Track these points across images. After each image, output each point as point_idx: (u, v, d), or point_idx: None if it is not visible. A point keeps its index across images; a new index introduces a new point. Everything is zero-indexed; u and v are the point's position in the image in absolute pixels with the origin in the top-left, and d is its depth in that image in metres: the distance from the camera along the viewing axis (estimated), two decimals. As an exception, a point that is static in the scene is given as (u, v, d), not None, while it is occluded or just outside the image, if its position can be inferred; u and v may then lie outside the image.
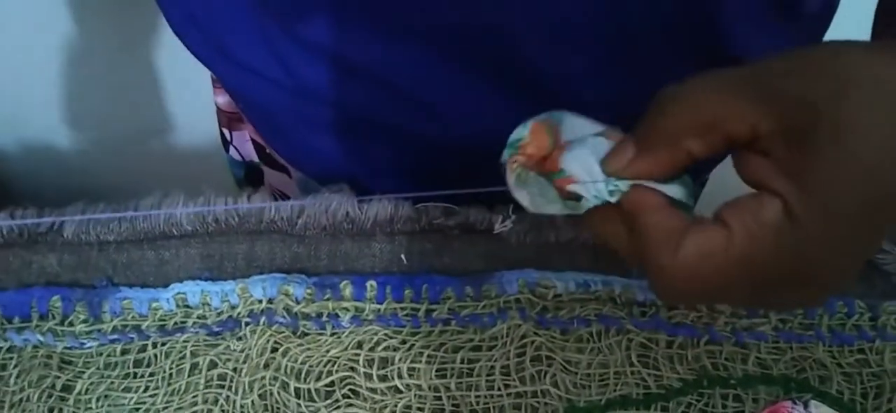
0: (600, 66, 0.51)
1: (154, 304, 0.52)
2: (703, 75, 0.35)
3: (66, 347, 0.51)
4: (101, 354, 0.51)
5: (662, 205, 0.37)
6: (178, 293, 0.52)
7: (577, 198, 0.39)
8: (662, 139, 0.36)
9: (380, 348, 0.50)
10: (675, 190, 0.38)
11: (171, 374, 0.50)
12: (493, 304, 0.51)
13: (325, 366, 0.50)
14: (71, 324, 0.52)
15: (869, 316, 0.52)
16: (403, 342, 0.50)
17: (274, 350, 0.50)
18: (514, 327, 0.51)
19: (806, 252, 0.33)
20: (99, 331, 0.51)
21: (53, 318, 0.52)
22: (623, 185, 0.38)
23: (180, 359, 0.51)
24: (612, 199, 0.38)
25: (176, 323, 0.51)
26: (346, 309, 0.51)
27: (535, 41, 0.50)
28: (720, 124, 0.34)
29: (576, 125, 0.41)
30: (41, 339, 0.51)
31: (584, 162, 0.39)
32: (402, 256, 0.54)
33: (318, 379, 0.49)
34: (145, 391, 0.50)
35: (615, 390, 0.49)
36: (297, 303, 0.51)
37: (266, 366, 0.50)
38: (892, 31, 0.43)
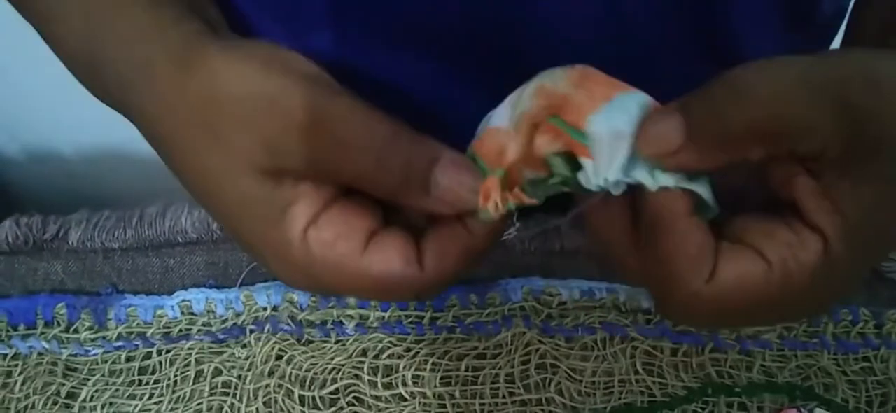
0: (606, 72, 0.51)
1: (159, 312, 0.52)
2: (784, 67, 0.29)
3: (71, 354, 0.51)
4: (105, 361, 0.51)
5: (690, 213, 0.32)
6: (183, 300, 0.52)
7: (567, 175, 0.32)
8: (725, 136, 0.30)
9: (384, 356, 0.50)
10: (703, 188, 0.32)
11: (175, 382, 0.50)
12: (498, 311, 0.51)
13: (329, 373, 0.50)
14: (76, 331, 0.52)
15: (874, 324, 0.52)
16: (408, 350, 0.50)
17: (278, 357, 0.50)
18: (518, 335, 0.51)
19: (833, 287, 0.32)
20: (104, 338, 0.51)
21: (58, 325, 0.52)
22: (652, 181, 0.31)
23: (185, 366, 0.51)
24: (616, 192, 0.32)
25: (181, 330, 0.51)
26: (351, 316, 0.51)
27: (540, 51, 0.50)
28: (794, 137, 0.29)
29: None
30: (46, 346, 0.51)
31: (616, 132, 0.31)
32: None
33: (323, 386, 0.49)
34: (150, 398, 0.50)
35: (620, 398, 0.49)
36: (302, 310, 0.51)
37: (270, 373, 0.50)
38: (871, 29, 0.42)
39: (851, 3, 0.48)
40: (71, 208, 0.57)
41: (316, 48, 0.52)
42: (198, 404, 0.49)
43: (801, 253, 0.30)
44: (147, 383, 0.50)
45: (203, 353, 0.51)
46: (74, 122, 1.21)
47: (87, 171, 1.26)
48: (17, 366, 0.51)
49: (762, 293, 0.31)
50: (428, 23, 0.49)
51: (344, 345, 0.51)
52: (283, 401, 0.49)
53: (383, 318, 0.51)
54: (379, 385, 0.49)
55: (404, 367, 0.50)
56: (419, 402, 0.48)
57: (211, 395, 0.50)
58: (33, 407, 0.50)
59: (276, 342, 0.50)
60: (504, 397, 0.49)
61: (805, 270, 0.30)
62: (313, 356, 0.50)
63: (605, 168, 0.31)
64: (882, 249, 0.32)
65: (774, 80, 0.29)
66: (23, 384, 0.50)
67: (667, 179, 0.31)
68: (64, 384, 0.50)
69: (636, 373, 0.50)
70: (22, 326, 0.52)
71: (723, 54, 0.50)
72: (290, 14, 0.52)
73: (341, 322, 0.51)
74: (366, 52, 0.52)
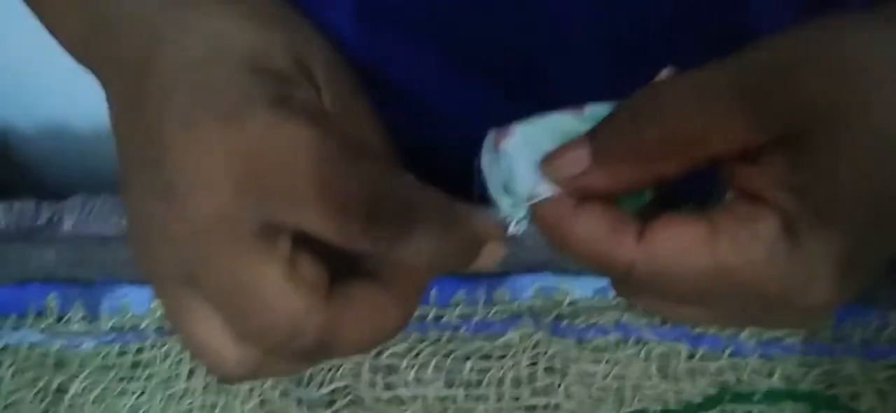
0: (607, 69, 0.49)
1: (154, 304, 0.50)
2: (681, 79, 0.30)
3: (62, 347, 0.50)
4: (97, 355, 0.49)
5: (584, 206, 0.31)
6: (178, 293, 0.50)
7: None
8: (630, 155, 0.30)
9: (385, 355, 0.48)
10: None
11: (168, 378, 0.48)
12: (505, 310, 0.49)
13: (327, 373, 0.48)
14: (68, 322, 0.50)
15: (904, 329, 0.50)
16: (410, 349, 0.48)
17: (275, 354, 0.48)
18: (526, 336, 0.48)
19: (804, 272, 0.29)
20: (96, 330, 0.50)
21: (50, 316, 0.50)
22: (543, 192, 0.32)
23: (178, 362, 0.49)
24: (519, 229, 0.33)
25: (175, 324, 0.50)
26: (352, 313, 0.49)
27: (540, 44, 0.47)
28: (703, 143, 0.29)
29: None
30: (37, 337, 0.50)
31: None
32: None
33: (321, 386, 0.47)
34: (142, 394, 0.48)
35: (632, 405, 0.47)
36: (301, 305, 0.49)
37: (267, 371, 0.48)
38: None
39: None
40: (82, 185, 0.56)
41: (333, 24, 0.50)
42: (190, 402, 0.48)
43: (753, 222, 0.29)
44: (139, 378, 0.49)
45: (198, 347, 0.49)
46: (89, 98, 1.20)
47: (101, 148, 1.25)
48: (6, 358, 0.49)
49: (708, 260, 0.29)
50: (432, 21, 0.47)
51: (344, 342, 0.49)
52: (280, 400, 0.47)
53: (385, 314, 0.49)
54: (378, 386, 0.47)
55: (405, 368, 0.48)
56: (420, 405, 0.46)
57: (205, 391, 0.48)
58: (22, 400, 0.48)
59: (273, 338, 0.49)
60: (510, 401, 0.47)
61: (758, 242, 0.29)
62: (311, 354, 0.48)
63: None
64: (872, 231, 0.29)
65: (665, 98, 0.30)
66: (12, 377, 0.49)
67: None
68: (54, 378, 0.49)
69: (649, 377, 0.48)
70: (13, 317, 0.50)
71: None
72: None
73: (341, 318, 0.49)
74: (382, 32, 0.50)
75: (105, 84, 0.35)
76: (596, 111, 0.33)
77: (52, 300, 0.50)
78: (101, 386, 0.48)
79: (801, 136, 0.28)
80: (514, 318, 0.49)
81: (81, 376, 0.49)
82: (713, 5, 0.47)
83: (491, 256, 0.34)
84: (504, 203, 0.33)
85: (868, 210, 0.28)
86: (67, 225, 0.53)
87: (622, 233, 0.30)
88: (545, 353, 0.48)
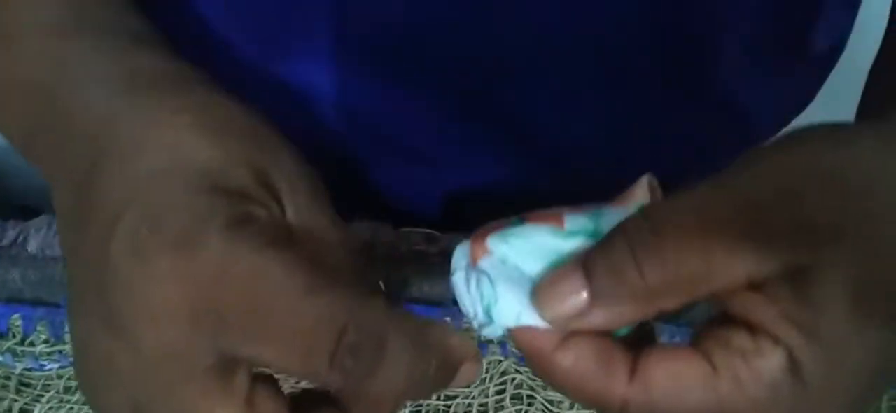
0: (593, 106, 0.49)
1: (119, 326, 0.50)
2: (679, 207, 0.28)
3: (25, 369, 0.49)
4: (61, 377, 0.49)
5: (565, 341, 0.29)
6: (144, 315, 0.50)
7: None
8: (629, 294, 0.27)
9: (352, 382, 0.48)
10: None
11: (133, 402, 0.48)
12: (473, 337, 0.49)
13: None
14: (32, 344, 0.49)
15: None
16: (377, 376, 0.48)
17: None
18: (494, 363, 0.48)
19: (810, 411, 0.27)
20: (60, 352, 0.49)
21: (13, 337, 0.50)
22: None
23: (143, 385, 0.48)
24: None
25: (141, 347, 0.49)
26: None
27: (525, 80, 0.47)
28: (709, 279, 0.27)
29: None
30: (0, 359, 0.49)
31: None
32: (380, 283, 0.51)
33: None
34: (106, 418, 0.48)
35: (598, 433, 0.47)
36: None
37: (232, 396, 0.47)
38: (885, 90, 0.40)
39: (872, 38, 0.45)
40: (50, 197, 0.55)
41: (310, 69, 0.49)
42: (154, 426, 0.47)
43: (756, 360, 0.27)
44: (103, 402, 0.48)
45: (163, 371, 0.49)
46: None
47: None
48: (-32, 379, 0.49)
49: (708, 400, 0.27)
50: (429, 43, 0.47)
51: (311, 368, 0.49)
52: (245, 425, 0.47)
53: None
54: (345, 413, 0.47)
55: (372, 395, 0.47)
56: (386, 433, 0.46)
57: (169, 416, 0.47)
58: (-17, 423, 0.47)
59: (239, 363, 0.48)
60: (476, 429, 0.47)
61: (761, 381, 0.27)
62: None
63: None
64: (883, 365, 0.27)
65: (665, 234, 0.27)
66: (-27, 399, 0.48)
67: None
68: (16, 400, 0.48)
69: (616, 407, 0.48)
70: (-23, 337, 0.50)
71: (711, 88, 0.48)
72: (284, 47, 0.49)
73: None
74: (362, 73, 0.49)
75: (51, 186, 0.32)
76: (575, 224, 0.30)
77: (16, 321, 0.50)
78: (65, 409, 0.48)
79: (808, 268, 0.26)
80: (482, 345, 0.49)
81: (45, 399, 0.48)
82: (684, 22, 0.47)
83: (466, 376, 0.31)
84: (484, 330, 0.31)
85: (882, 344, 0.26)
86: (33, 245, 0.52)
87: (613, 368, 0.28)
88: (512, 380, 0.48)
